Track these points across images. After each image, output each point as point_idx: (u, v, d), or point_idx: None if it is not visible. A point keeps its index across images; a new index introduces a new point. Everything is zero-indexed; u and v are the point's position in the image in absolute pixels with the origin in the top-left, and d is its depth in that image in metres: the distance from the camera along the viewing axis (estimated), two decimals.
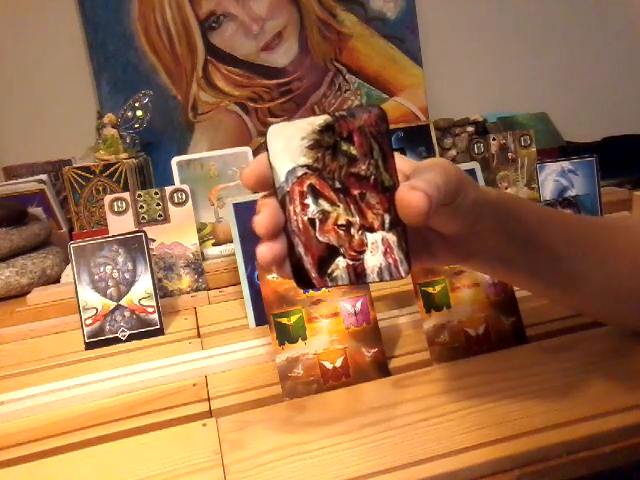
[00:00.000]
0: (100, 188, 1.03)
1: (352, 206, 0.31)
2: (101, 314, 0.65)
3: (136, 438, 0.48)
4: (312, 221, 0.31)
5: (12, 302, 0.83)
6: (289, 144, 0.31)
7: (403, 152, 0.89)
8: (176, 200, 0.80)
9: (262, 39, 1.32)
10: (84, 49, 1.27)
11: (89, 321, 0.65)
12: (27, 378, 0.60)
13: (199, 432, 0.47)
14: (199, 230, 0.84)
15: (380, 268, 0.32)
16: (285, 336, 0.51)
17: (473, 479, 0.40)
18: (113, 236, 0.66)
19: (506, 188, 0.91)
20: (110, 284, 0.65)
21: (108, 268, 0.65)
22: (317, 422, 0.46)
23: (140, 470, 0.43)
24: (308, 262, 0.32)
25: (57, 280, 0.89)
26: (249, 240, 0.69)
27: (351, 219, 0.31)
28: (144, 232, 0.66)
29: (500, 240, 0.39)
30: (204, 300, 0.76)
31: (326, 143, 0.31)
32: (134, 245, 0.66)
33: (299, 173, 0.31)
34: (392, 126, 1.05)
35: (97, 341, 0.65)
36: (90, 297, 0.65)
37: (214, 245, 0.87)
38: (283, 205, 0.31)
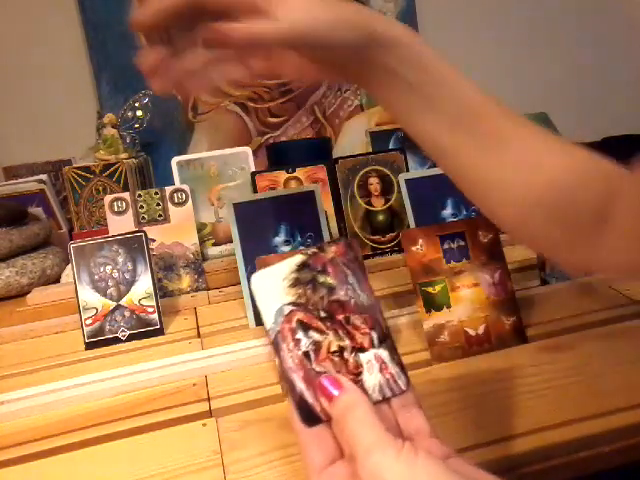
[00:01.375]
0: (100, 188, 1.03)
1: (340, 331, 0.33)
2: (101, 314, 0.65)
3: (136, 438, 0.48)
4: (307, 354, 0.32)
5: (12, 302, 0.83)
6: (272, 287, 0.33)
7: (403, 152, 0.89)
8: (176, 200, 0.80)
9: None
10: (84, 49, 1.27)
11: (89, 321, 0.65)
12: (27, 378, 0.60)
13: (199, 432, 0.47)
14: (199, 230, 0.84)
15: (380, 385, 0.33)
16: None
17: None
18: (113, 236, 0.66)
19: None
20: (110, 284, 0.65)
21: (108, 268, 0.65)
22: None
23: (140, 470, 0.43)
24: (310, 396, 0.32)
25: (57, 280, 0.89)
26: (249, 240, 0.69)
27: (342, 343, 0.33)
28: (144, 232, 0.66)
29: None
30: (204, 300, 0.76)
31: (305, 279, 0.33)
32: (134, 245, 0.66)
33: (286, 311, 0.32)
34: (392, 126, 1.05)
35: (97, 341, 0.65)
36: (90, 297, 0.65)
37: (214, 245, 0.87)
38: (277, 346, 0.32)
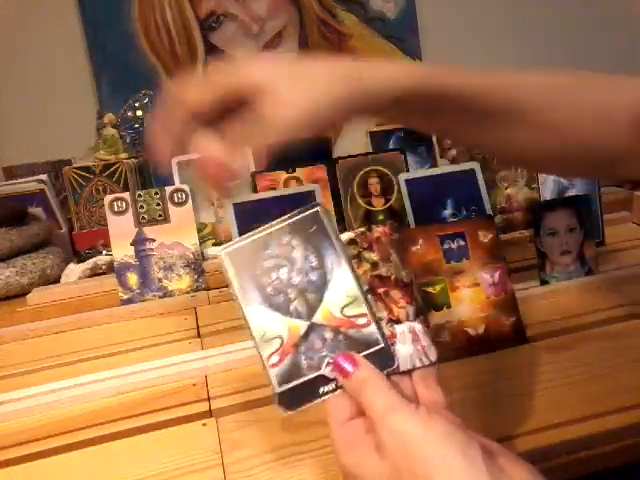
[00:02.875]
0: (100, 188, 1.03)
1: (379, 303, 0.37)
2: (290, 344, 0.39)
3: (136, 438, 0.48)
4: None
5: (12, 302, 0.83)
6: None
7: (403, 152, 0.88)
8: (176, 200, 0.80)
9: (262, 39, 1.32)
10: (84, 49, 1.27)
11: (274, 358, 0.38)
12: (27, 378, 0.60)
13: (199, 432, 0.47)
14: (199, 230, 0.84)
15: (411, 356, 0.36)
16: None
17: None
18: (281, 221, 0.40)
19: (506, 188, 0.91)
20: (292, 295, 0.40)
21: (283, 272, 0.41)
22: (317, 422, 0.46)
23: (140, 470, 0.43)
24: None
25: (57, 280, 0.89)
26: None
27: (379, 315, 0.36)
28: (319, 205, 0.41)
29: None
30: (204, 300, 0.76)
31: (352, 254, 0.37)
32: (312, 227, 0.40)
33: None
34: (392, 126, 1.05)
35: (294, 388, 0.36)
36: (267, 322, 0.39)
37: (214, 245, 0.87)
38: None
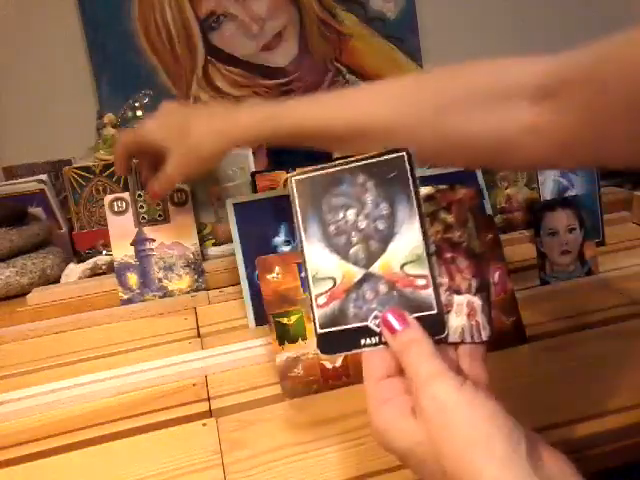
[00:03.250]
0: (100, 188, 1.03)
1: (443, 267, 0.34)
2: (341, 288, 0.37)
3: (136, 438, 0.48)
4: None
5: (12, 302, 0.83)
6: None
7: None
8: (176, 200, 0.80)
9: (262, 39, 1.32)
10: (84, 49, 1.26)
11: (322, 299, 0.37)
12: (27, 378, 0.60)
13: (199, 432, 0.47)
14: (199, 230, 0.84)
15: (463, 329, 0.33)
16: (285, 336, 0.51)
17: None
18: (361, 159, 0.37)
19: (506, 188, 0.91)
20: (354, 239, 0.38)
21: (351, 213, 0.38)
22: (317, 422, 0.46)
23: (140, 470, 0.43)
24: None
25: (57, 280, 0.89)
26: (249, 240, 0.69)
27: (441, 280, 0.34)
28: (407, 151, 0.36)
29: None
30: (204, 300, 0.76)
31: (427, 211, 0.34)
32: (391, 174, 0.36)
33: None
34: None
35: (336, 333, 0.36)
36: (323, 261, 0.38)
37: (214, 245, 0.87)
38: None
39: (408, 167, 0.35)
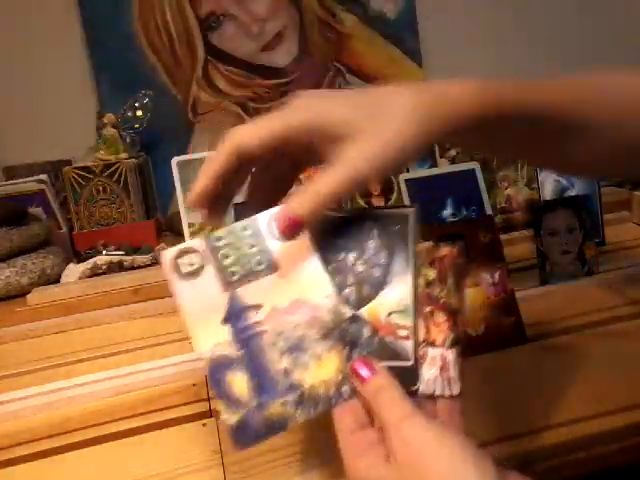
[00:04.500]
0: (100, 188, 1.03)
1: (421, 320, 0.36)
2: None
3: (136, 438, 0.48)
4: None
5: (12, 302, 0.83)
6: None
7: None
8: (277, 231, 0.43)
9: (262, 39, 1.32)
10: (84, 49, 1.26)
11: None
12: (27, 378, 0.60)
13: (199, 432, 0.47)
14: (199, 230, 0.83)
15: (434, 382, 0.35)
16: None
17: None
18: (373, 208, 0.41)
19: (506, 188, 0.91)
20: (350, 281, 0.38)
21: (351, 256, 0.39)
22: (317, 422, 0.46)
23: (140, 470, 0.43)
24: None
25: (57, 280, 0.89)
26: None
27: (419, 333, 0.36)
28: (414, 207, 0.39)
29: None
30: None
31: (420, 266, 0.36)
32: (395, 227, 0.39)
33: None
34: None
35: None
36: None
37: None
38: None
39: (411, 223, 0.37)
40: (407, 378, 0.34)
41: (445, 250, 0.37)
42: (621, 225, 0.87)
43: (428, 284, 0.36)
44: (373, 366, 0.34)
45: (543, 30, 1.47)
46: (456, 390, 0.35)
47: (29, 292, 0.82)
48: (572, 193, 0.79)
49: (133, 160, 1.08)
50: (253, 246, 0.39)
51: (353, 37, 1.35)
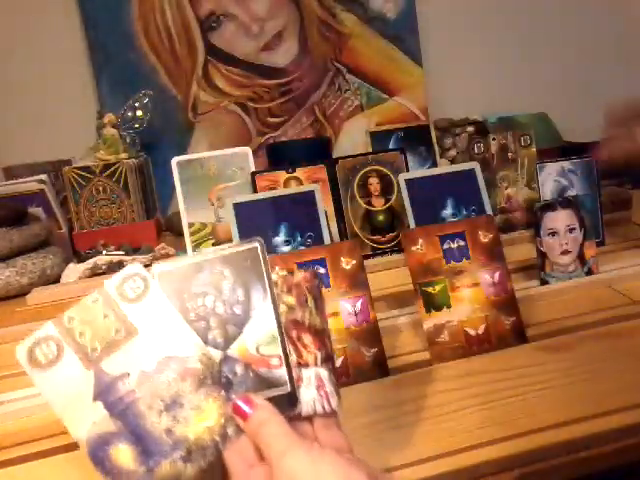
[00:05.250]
0: (100, 188, 1.03)
1: (291, 346, 0.38)
2: None
3: None
4: None
5: (12, 302, 0.83)
6: None
7: (403, 152, 0.88)
8: (130, 295, 0.41)
9: (262, 39, 1.32)
10: (84, 49, 1.27)
11: None
12: (27, 378, 0.60)
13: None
14: (199, 230, 0.83)
15: (314, 401, 0.36)
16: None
17: (473, 479, 0.40)
18: (219, 249, 0.41)
19: (506, 188, 0.91)
20: (213, 324, 0.40)
21: (209, 300, 0.40)
22: None
23: None
24: None
25: (57, 280, 0.89)
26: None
27: (290, 357, 0.37)
28: (259, 241, 0.40)
29: None
30: None
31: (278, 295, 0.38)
32: (246, 262, 0.41)
33: None
34: (392, 126, 1.05)
35: None
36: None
37: (214, 245, 0.87)
38: None
39: (261, 256, 0.39)
40: (287, 403, 0.36)
41: (299, 276, 0.39)
42: (621, 225, 0.87)
43: (289, 310, 0.38)
44: (252, 401, 0.35)
45: (543, 29, 1.47)
46: (335, 403, 0.36)
47: (29, 292, 0.82)
48: (572, 193, 0.79)
49: (133, 160, 1.08)
50: (106, 316, 0.41)
51: (353, 37, 1.36)
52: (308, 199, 0.72)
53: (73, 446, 0.47)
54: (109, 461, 0.36)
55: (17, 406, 0.53)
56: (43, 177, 1.06)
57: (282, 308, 0.38)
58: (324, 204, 0.74)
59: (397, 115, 1.38)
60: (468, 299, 0.55)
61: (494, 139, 0.93)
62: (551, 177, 0.81)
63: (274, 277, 0.39)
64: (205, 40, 1.30)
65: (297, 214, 0.71)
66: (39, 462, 0.46)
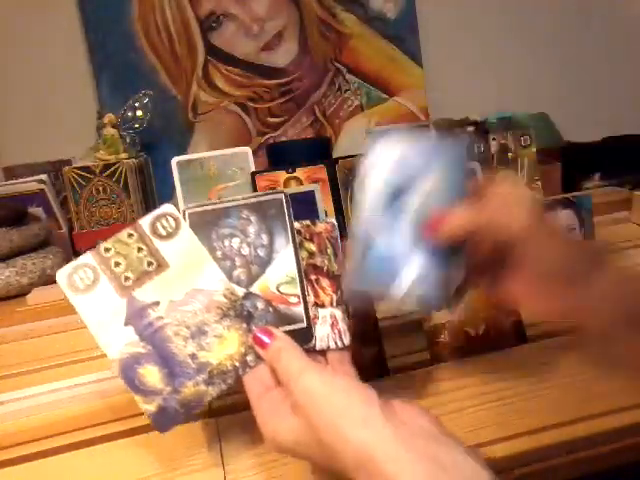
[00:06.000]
0: (100, 188, 1.03)
1: (309, 288, 0.42)
2: None
3: (136, 438, 0.48)
4: None
5: (12, 302, 0.83)
6: None
7: None
8: (162, 232, 0.44)
9: (262, 39, 1.32)
10: (84, 49, 1.27)
11: None
12: (27, 378, 0.60)
13: (199, 432, 0.47)
14: None
15: (328, 337, 0.41)
16: None
17: None
18: (243, 198, 0.46)
19: None
20: (238, 263, 0.44)
21: (235, 242, 0.45)
22: None
23: (140, 470, 0.43)
24: None
25: None
26: None
27: (308, 297, 0.42)
28: (284, 193, 0.46)
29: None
30: None
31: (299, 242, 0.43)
32: (271, 210, 0.46)
33: None
34: (392, 126, 1.05)
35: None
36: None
37: None
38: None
39: (285, 206, 0.44)
40: (303, 338, 0.40)
41: (321, 227, 0.44)
42: (621, 225, 0.87)
43: (310, 256, 0.43)
44: (272, 332, 0.39)
45: (543, 31, 1.47)
46: (347, 340, 0.40)
47: (29, 292, 0.82)
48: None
49: (133, 160, 1.08)
50: (140, 249, 0.43)
51: (353, 37, 1.36)
52: (308, 199, 0.72)
53: (73, 446, 0.48)
54: (138, 380, 0.40)
55: (17, 406, 0.53)
56: (43, 177, 1.06)
57: (303, 253, 0.43)
58: (324, 204, 0.74)
59: (397, 115, 1.38)
60: (468, 299, 0.55)
61: (494, 139, 0.93)
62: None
63: (297, 225, 0.43)
64: (205, 40, 1.30)
65: (297, 214, 0.71)
66: (39, 462, 0.46)
